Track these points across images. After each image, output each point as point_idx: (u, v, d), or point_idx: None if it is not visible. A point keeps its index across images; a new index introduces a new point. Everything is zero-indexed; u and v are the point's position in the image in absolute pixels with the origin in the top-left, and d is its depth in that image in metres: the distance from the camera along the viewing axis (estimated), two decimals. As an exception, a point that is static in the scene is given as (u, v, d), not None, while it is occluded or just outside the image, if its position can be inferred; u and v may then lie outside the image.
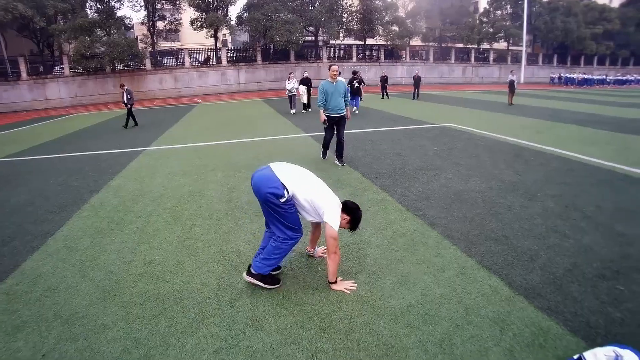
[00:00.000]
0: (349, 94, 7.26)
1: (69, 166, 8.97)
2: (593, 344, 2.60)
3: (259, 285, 3.43)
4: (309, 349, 2.68)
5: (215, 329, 2.94)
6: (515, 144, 9.36)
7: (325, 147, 8.21)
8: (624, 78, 50.29)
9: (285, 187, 3.21)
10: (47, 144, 12.54)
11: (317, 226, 3.88)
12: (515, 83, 20.70)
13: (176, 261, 4.06)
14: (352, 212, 3.39)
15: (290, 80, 18.38)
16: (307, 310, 3.12)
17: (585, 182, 6.25)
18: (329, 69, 7.36)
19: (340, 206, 3.36)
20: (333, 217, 3.24)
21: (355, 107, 17.13)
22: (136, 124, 16.13)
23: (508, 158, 7.94)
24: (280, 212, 3.27)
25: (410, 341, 2.71)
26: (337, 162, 7.78)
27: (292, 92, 18.28)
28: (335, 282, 3.41)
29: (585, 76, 46.99)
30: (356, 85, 17.09)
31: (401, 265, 3.76)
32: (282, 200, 3.21)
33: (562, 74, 48.08)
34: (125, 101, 16.05)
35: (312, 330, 2.88)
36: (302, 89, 18.35)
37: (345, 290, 3.35)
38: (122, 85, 16.96)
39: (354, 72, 17.71)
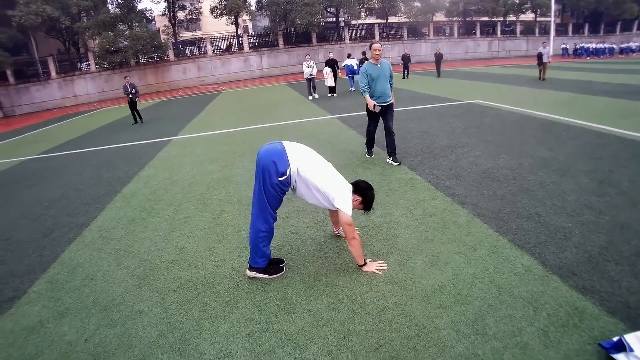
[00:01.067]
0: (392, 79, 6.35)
1: (99, 159, 9.23)
2: (633, 325, 2.50)
3: (265, 278, 3.44)
4: (340, 331, 2.70)
5: (248, 313, 2.99)
6: (544, 119, 9.05)
7: (371, 141, 6.94)
8: None
9: (289, 166, 3.13)
10: (78, 139, 12.92)
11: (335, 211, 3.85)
12: (544, 56, 18.30)
13: (207, 247, 4.15)
14: (363, 192, 3.35)
15: (307, 62, 17.01)
16: (338, 292, 3.14)
17: (620, 157, 5.99)
18: (371, 49, 6.17)
19: (350, 190, 3.33)
20: (344, 202, 3.18)
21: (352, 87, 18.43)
22: (141, 120, 15.30)
23: (538, 133, 7.69)
24: (269, 191, 3.18)
25: (443, 322, 2.69)
26: (390, 160, 6.49)
27: (311, 75, 16.92)
28: (365, 264, 3.39)
29: (602, 45, 43.26)
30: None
31: (432, 245, 3.72)
32: (281, 178, 3.12)
33: (577, 45, 44.51)
34: (130, 94, 15.05)
35: (344, 312, 2.89)
36: (327, 70, 17.23)
37: (377, 271, 3.34)
38: (126, 77, 16.26)
39: (364, 53, 18.66)
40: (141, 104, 23.81)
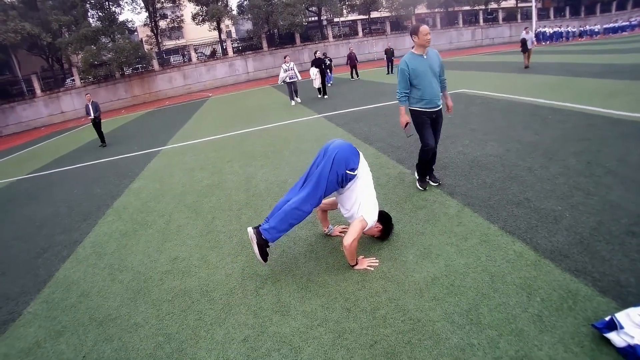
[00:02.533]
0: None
1: (90, 174, 9.18)
2: (625, 303, 2.52)
3: (254, 250, 3.40)
4: (335, 330, 2.70)
5: (243, 318, 2.99)
6: (531, 104, 9.10)
7: (426, 164, 4.94)
8: (616, 25, 46.26)
9: (358, 168, 3.37)
10: (67, 156, 12.83)
11: (324, 210, 4.01)
12: (528, 42, 17.31)
13: (200, 255, 4.14)
14: (386, 223, 3.61)
15: (287, 64, 15.11)
16: (331, 291, 3.14)
17: (607, 136, 6.02)
18: (417, 33, 4.33)
19: (377, 212, 3.48)
20: (371, 216, 3.35)
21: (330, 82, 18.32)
22: (103, 143, 13.63)
23: (525, 118, 7.73)
24: (332, 177, 3.29)
25: (437, 314, 2.70)
26: (428, 180, 5.05)
27: (292, 79, 15.17)
28: (356, 263, 3.42)
29: (559, 29, 42.46)
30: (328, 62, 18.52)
31: (423, 238, 3.73)
32: (349, 172, 3.30)
33: (535, 30, 42.66)
34: (92, 115, 13.54)
35: (338, 310, 2.90)
36: (314, 71, 15.83)
37: (369, 268, 3.36)
38: (88, 95, 14.51)
39: (324, 54, 19.19)
40: (128, 116, 23.78)
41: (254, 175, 6.60)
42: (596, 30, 45.47)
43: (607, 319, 2.31)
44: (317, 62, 16.08)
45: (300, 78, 15.35)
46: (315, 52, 17.33)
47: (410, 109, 4.69)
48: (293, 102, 15.36)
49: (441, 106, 4.75)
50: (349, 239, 3.21)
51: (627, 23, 46.61)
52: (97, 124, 13.71)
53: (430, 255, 3.43)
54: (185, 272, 3.84)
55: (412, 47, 4.58)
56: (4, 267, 4.79)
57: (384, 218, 3.61)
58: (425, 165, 4.92)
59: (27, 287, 4.14)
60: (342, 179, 3.32)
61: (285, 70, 14.94)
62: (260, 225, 3.43)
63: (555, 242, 3.34)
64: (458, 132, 7.31)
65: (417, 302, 2.85)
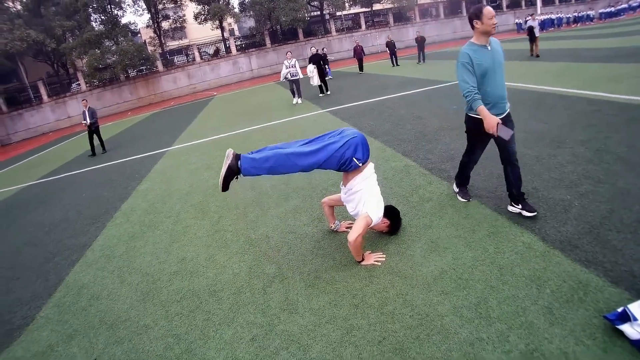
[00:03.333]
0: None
1: (98, 178, 9.25)
2: (638, 294, 2.47)
3: (223, 174, 3.23)
4: (343, 327, 2.69)
5: (251, 317, 2.99)
6: (536, 91, 8.98)
7: (465, 177, 4.30)
8: (613, 9, 44.78)
9: (364, 164, 3.35)
10: (75, 160, 12.94)
11: (331, 206, 3.98)
12: (536, 29, 16.33)
13: (207, 255, 4.15)
14: (393, 218, 3.57)
15: (289, 60, 14.37)
16: (338, 288, 3.13)
17: (615, 122, 5.91)
18: (480, 17, 3.48)
19: (383, 209, 3.45)
20: (376, 213, 3.30)
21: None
22: (103, 149, 13.32)
23: (530, 106, 7.62)
24: (337, 153, 3.23)
25: (445, 308, 2.68)
26: (515, 208, 3.79)
27: (294, 76, 14.36)
28: (363, 258, 3.40)
29: (549, 17, 41.02)
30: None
31: (430, 231, 3.70)
32: (354, 159, 3.25)
33: (526, 18, 42.45)
34: (88, 121, 13.10)
35: (345, 307, 2.89)
36: (310, 68, 15.05)
37: (376, 263, 3.34)
38: (84, 101, 13.99)
39: (323, 49, 19.03)
40: (134, 118, 23.88)
41: (259, 173, 6.59)
42: (591, 15, 44.56)
43: (619, 310, 2.26)
44: (315, 59, 15.45)
45: (301, 75, 14.56)
46: (312, 48, 16.79)
47: (468, 116, 3.83)
48: (295, 101, 14.63)
49: (509, 110, 3.75)
50: (353, 235, 3.18)
51: (627, 5, 45.48)
52: (94, 131, 13.16)
53: (437, 248, 3.41)
54: (193, 273, 3.85)
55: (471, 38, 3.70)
56: (15, 272, 4.86)
57: (391, 213, 3.58)
58: (465, 176, 4.26)
59: (39, 292, 4.19)
60: (345, 162, 3.25)
61: (287, 67, 14.33)
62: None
63: (565, 232, 3.29)
64: (464, 123, 7.22)
65: (425, 297, 2.83)
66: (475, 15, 3.53)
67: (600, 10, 45.49)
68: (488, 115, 3.40)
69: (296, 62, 14.51)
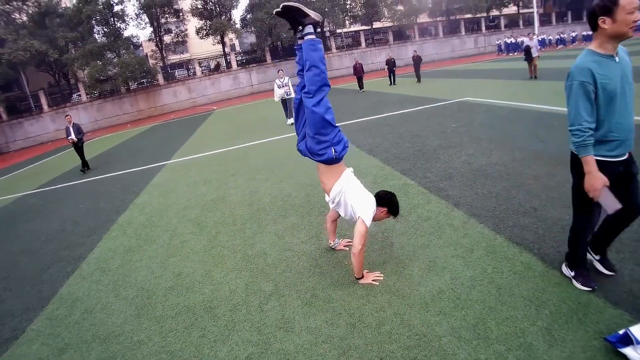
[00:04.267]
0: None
1: (95, 189, 9.22)
2: (639, 316, 2.46)
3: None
4: (340, 347, 2.66)
5: (247, 335, 2.95)
6: (535, 110, 9.06)
7: (582, 253, 2.91)
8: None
9: (336, 158, 3.32)
10: (73, 171, 12.91)
11: (334, 219, 3.89)
12: (533, 49, 15.46)
13: (204, 271, 4.11)
14: (387, 202, 3.40)
15: (280, 78, 13.53)
16: (335, 306, 3.10)
17: (613, 141, 5.96)
18: (613, 12, 2.32)
19: (374, 202, 3.36)
20: (366, 212, 3.24)
21: None
22: (87, 167, 12.57)
23: (529, 125, 7.68)
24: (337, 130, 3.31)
25: (443, 329, 2.65)
26: (600, 266, 3.01)
27: (288, 95, 13.48)
28: (362, 276, 3.37)
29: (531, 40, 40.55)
30: None
31: (428, 250, 3.68)
32: (332, 149, 3.26)
33: (507, 40, 40.43)
34: (73, 136, 12.37)
35: (342, 326, 2.85)
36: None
37: (373, 282, 3.31)
38: (69, 116, 13.02)
39: None
40: (134, 131, 23.92)
41: (257, 189, 6.58)
42: (572, 36, 44.76)
43: (621, 332, 2.24)
44: None
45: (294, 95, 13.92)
46: (279, 71, 14.86)
47: (578, 159, 2.62)
48: (289, 121, 13.64)
49: (633, 147, 2.62)
50: (357, 244, 3.16)
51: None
52: (79, 147, 12.54)
53: (435, 268, 3.38)
54: (189, 288, 3.81)
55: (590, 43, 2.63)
56: (9, 283, 4.81)
57: (384, 199, 3.41)
58: (582, 255, 2.90)
59: (31, 304, 4.14)
60: (327, 142, 3.26)
61: (280, 87, 13.52)
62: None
63: (564, 252, 3.25)
64: (462, 141, 7.27)
65: (423, 317, 2.80)
66: (604, 10, 2.36)
67: (584, 33, 45.87)
68: (595, 171, 2.46)
69: (289, 80, 13.67)
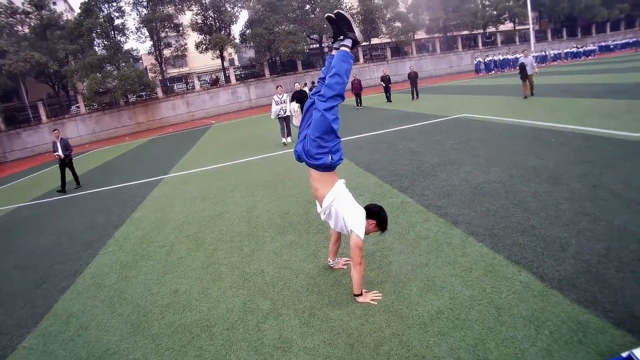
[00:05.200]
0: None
1: (92, 202, 9.18)
2: (643, 337, 2.44)
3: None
4: (338, 368, 2.62)
5: (244, 355, 2.92)
6: (532, 127, 9.12)
7: None
8: (581, 49, 45.18)
9: (332, 165, 3.35)
10: (69, 183, 12.81)
11: (337, 238, 3.86)
12: (528, 66, 14.73)
13: (201, 288, 4.07)
14: (377, 215, 3.39)
15: (279, 95, 12.84)
16: (334, 326, 3.07)
17: (610, 158, 6.01)
18: None
19: (364, 214, 3.36)
20: (359, 227, 3.25)
21: None
22: (78, 183, 11.93)
23: (527, 142, 7.73)
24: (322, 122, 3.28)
25: (442, 350, 2.63)
26: None
27: (285, 113, 12.81)
28: (361, 294, 3.36)
29: (508, 56, 39.50)
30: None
31: (427, 270, 3.67)
32: (330, 156, 3.30)
33: (486, 59, 40.08)
34: (61, 153, 11.61)
35: (341, 347, 2.82)
36: (294, 106, 12.83)
37: (372, 302, 3.29)
38: (56, 131, 12.31)
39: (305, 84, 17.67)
40: (132, 143, 23.91)
41: (255, 206, 6.55)
42: (553, 54, 44.76)
43: (624, 355, 2.20)
44: (299, 96, 13.36)
45: (292, 113, 12.91)
46: (296, 84, 14.34)
47: None
48: (284, 141, 12.86)
49: None
50: (356, 258, 3.22)
51: (594, 47, 46.28)
52: (67, 164, 11.80)
53: (434, 287, 3.36)
54: (186, 306, 3.77)
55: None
56: (1, 298, 4.74)
57: (373, 213, 3.41)
58: None
59: (24, 320, 4.08)
60: (326, 147, 3.30)
61: (277, 103, 12.77)
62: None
63: (563, 271, 3.27)
64: (460, 159, 7.29)
65: (422, 337, 2.78)
66: None
67: (566, 50, 46.21)
68: None
69: (287, 97, 13.10)
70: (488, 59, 39.80)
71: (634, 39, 50.71)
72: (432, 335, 2.79)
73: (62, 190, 11.45)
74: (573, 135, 7.75)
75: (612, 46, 49.60)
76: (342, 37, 3.41)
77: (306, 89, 17.69)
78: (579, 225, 4.03)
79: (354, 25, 3.37)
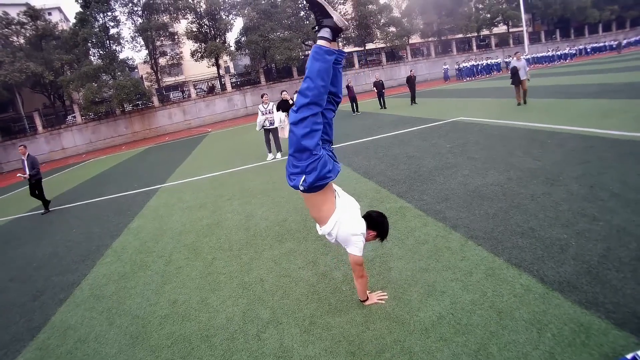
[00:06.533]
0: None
1: (89, 213, 9.13)
2: (646, 338, 2.42)
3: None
4: (340, 377, 2.60)
5: (244, 365, 2.88)
6: (528, 128, 9.14)
7: None
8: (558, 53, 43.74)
9: (305, 183, 2.85)
10: (66, 194, 12.81)
11: None
12: (521, 71, 13.45)
13: (200, 298, 4.04)
14: (379, 226, 3.16)
15: (265, 104, 11.64)
16: (334, 334, 3.04)
17: (607, 158, 6.03)
18: None
19: (364, 227, 3.11)
20: (357, 248, 3.05)
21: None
22: (45, 208, 10.41)
23: (523, 144, 7.74)
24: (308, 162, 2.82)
25: (444, 355, 2.60)
26: None
27: (271, 125, 11.56)
28: (367, 299, 3.34)
29: (479, 62, 38.43)
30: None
31: (427, 275, 3.64)
32: (302, 179, 2.83)
33: (461, 64, 38.54)
34: (28, 172, 10.20)
35: (342, 355, 2.79)
36: (281, 116, 11.46)
37: (379, 301, 3.30)
38: (22, 147, 10.68)
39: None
40: (128, 153, 23.86)
41: (253, 214, 6.51)
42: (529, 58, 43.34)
43: (629, 356, 2.19)
44: (285, 106, 11.53)
45: (282, 122, 11.53)
46: (283, 92, 12.27)
47: None
48: (270, 157, 11.57)
49: None
50: (358, 274, 3.17)
51: (572, 50, 45.53)
52: (34, 184, 10.31)
53: (435, 292, 3.34)
54: (185, 316, 3.73)
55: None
56: (-3, 311, 4.69)
57: (375, 222, 3.15)
58: None
59: (20, 334, 4.03)
60: (321, 173, 2.84)
61: (263, 113, 11.61)
62: None
63: (563, 273, 3.26)
64: (457, 162, 7.29)
65: (424, 343, 2.75)
66: None
67: (538, 55, 45.01)
68: None
69: (274, 106, 11.72)
70: (466, 64, 38.46)
71: (609, 43, 50.73)
72: (433, 340, 2.76)
73: (46, 209, 10.36)
74: (569, 136, 7.77)
75: (589, 49, 49.28)
76: (318, 27, 2.78)
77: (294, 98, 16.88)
78: (578, 226, 4.03)
79: (328, 10, 2.71)
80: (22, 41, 35.51)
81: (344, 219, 3.04)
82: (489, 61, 39.62)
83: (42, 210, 10.37)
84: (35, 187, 10.30)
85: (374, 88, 21.43)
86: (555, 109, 11.48)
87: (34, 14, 34.65)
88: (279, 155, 11.70)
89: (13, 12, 34.94)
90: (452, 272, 3.60)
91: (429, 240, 4.34)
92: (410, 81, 20.83)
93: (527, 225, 4.26)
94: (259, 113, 11.74)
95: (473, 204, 5.16)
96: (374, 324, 3.07)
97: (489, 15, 49.54)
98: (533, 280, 3.24)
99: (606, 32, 56.11)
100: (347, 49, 47.63)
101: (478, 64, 38.76)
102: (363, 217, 3.19)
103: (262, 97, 12.08)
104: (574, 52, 46.21)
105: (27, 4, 35.68)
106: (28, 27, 34.97)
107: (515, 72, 13.60)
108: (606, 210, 4.26)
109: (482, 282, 3.36)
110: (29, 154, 10.50)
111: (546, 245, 3.76)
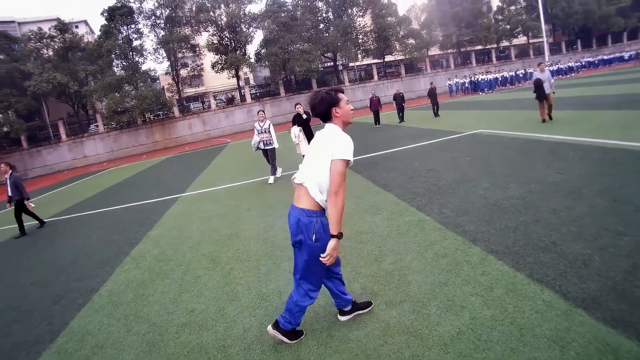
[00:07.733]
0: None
1: (109, 220, 9.28)
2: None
3: (283, 341, 3.15)
4: (357, 391, 2.56)
5: (261, 377, 2.87)
6: (550, 141, 8.99)
7: None
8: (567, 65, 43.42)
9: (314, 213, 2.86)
10: (87, 201, 13.06)
11: None
12: (545, 83, 11.89)
13: (217, 308, 4.04)
14: (322, 107, 3.04)
15: (260, 122, 10.54)
16: (352, 347, 3.00)
17: (631, 171, 5.88)
18: None
19: (340, 127, 2.99)
20: (344, 151, 2.78)
21: None
22: (23, 233, 9.44)
23: (545, 157, 7.61)
24: (309, 260, 2.94)
25: (464, 372, 2.55)
26: None
27: (267, 145, 10.43)
28: (338, 236, 2.76)
29: (483, 77, 37.92)
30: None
31: (446, 289, 3.58)
32: (314, 237, 2.82)
33: (465, 79, 39.06)
34: (10, 194, 9.41)
35: (359, 369, 2.76)
36: (295, 131, 10.64)
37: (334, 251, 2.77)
38: (6, 166, 9.59)
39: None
40: (149, 162, 24.23)
41: (272, 225, 6.50)
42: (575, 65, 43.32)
43: None
44: (300, 120, 10.71)
45: (277, 145, 10.50)
46: (297, 106, 11.14)
47: None
48: (271, 179, 10.24)
49: None
50: (332, 191, 2.73)
51: (577, 64, 44.78)
52: (20, 209, 9.44)
53: (454, 307, 3.28)
54: (202, 326, 3.74)
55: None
56: (19, 314, 4.78)
57: (315, 111, 3.11)
58: None
59: (41, 336, 4.10)
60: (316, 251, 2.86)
61: (259, 132, 10.51)
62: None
63: (587, 289, 3.17)
64: (478, 175, 7.19)
65: (442, 359, 2.70)
66: None
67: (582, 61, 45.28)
68: None
69: (271, 125, 10.63)
70: (461, 80, 38.66)
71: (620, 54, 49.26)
72: (452, 356, 2.71)
73: (22, 234, 9.37)
74: (592, 148, 7.62)
75: (596, 62, 48.28)
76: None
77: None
78: (602, 240, 3.93)
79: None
80: (50, 53, 36.81)
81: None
82: (489, 76, 38.84)
83: (38, 225, 10.12)
84: (22, 210, 9.44)
85: (393, 101, 20.99)
86: (576, 120, 11.27)
87: (62, 27, 36.00)
88: (278, 174, 10.60)
89: (45, 27, 36.44)
90: (472, 287, 3.53)
91: (449, 254, 4.28)
92: (432, 93, 20.35)
93: (549, 239, 4.17)
94: (255, 132, 10.63)
95: (494, 217, 5.07)
96: (392, 338, 3.02)
97: (508, 27, 49.34)
98: (555, 296, 3.15)
99: (632, 40, 54.82)
100: (366, 61, 47.95)
101: (497, 77, 38.53)
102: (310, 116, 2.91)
103: (257, 113, 10.86)
104: (583, 63, 45.72)
105: (57, 19, 37.13)
106: (57, 40, 36.27)
107: (539, 85, 12.00)
108: (631, 224, 4.14)
109: (503, 297, 3.28)
110: (12, 172, 9.42)
111: (569, 261, 3.67)
